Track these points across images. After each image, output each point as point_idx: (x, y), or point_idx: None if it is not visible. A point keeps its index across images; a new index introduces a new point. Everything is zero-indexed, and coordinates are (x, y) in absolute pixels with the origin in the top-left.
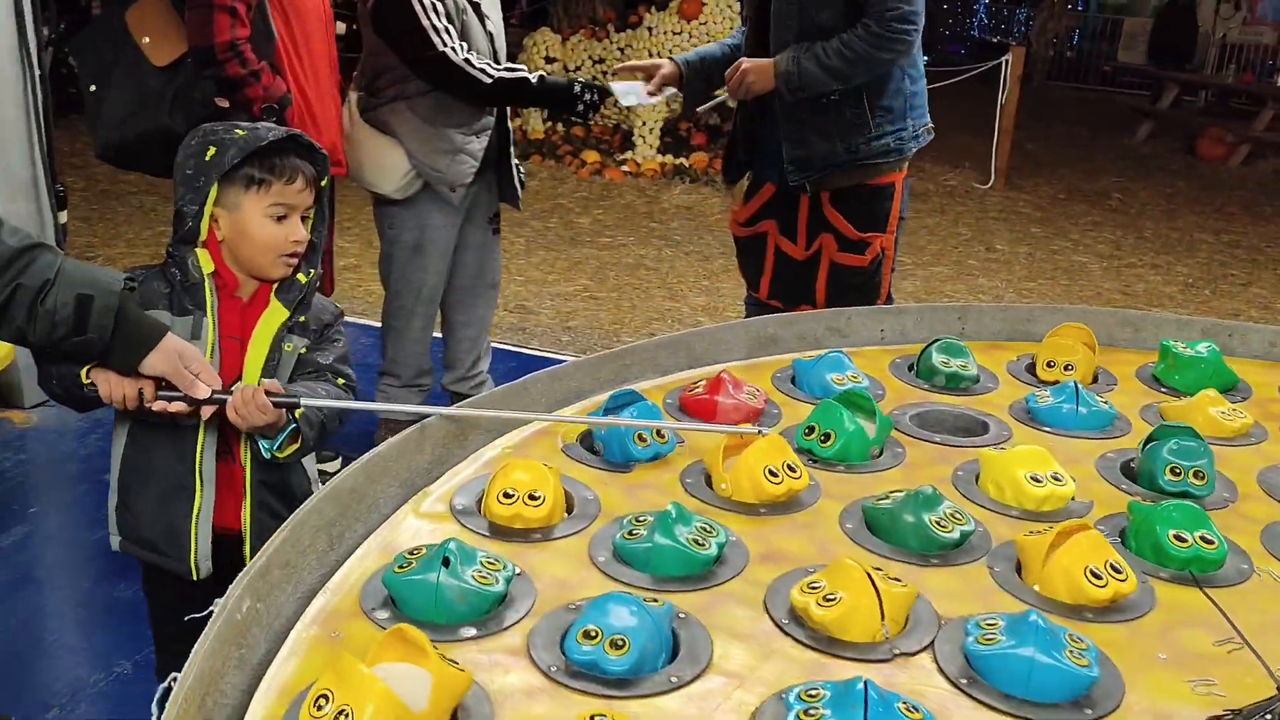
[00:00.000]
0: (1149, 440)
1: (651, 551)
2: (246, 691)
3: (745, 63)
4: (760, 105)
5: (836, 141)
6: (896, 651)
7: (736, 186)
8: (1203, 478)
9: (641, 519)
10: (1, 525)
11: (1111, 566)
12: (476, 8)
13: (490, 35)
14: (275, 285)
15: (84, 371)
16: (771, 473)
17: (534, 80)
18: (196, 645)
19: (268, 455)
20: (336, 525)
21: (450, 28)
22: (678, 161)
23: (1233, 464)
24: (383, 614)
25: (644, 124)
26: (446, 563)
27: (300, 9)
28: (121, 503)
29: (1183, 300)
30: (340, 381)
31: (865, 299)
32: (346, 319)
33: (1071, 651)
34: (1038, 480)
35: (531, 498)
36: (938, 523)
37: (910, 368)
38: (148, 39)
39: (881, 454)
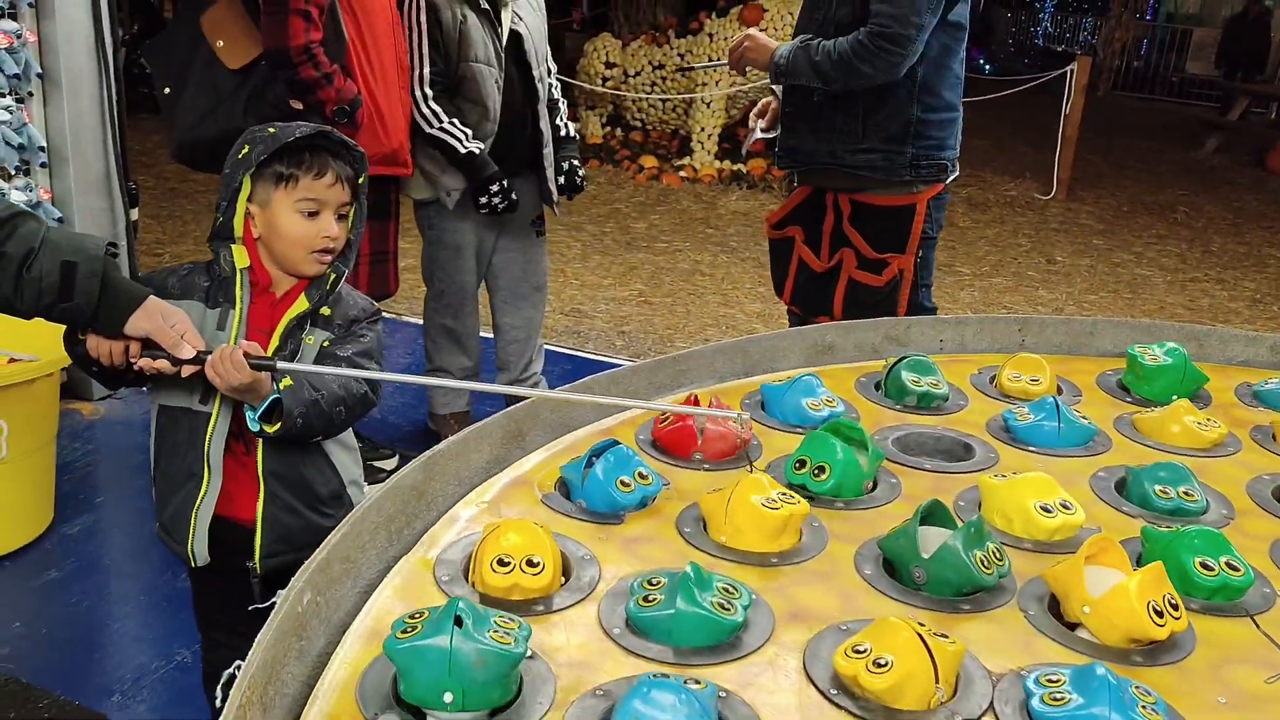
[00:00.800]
0: (1126, 478)
1: (674, 620)
2: (306, 682)
3: (751, 34)
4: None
5: (823, 143)
6: (959, 718)
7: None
8: (1193, 496)
9: (654, 581)
10: (69, 514)
11: (1169, 602)
12: (487, 14)
13: (519, 36)
14: (309, 282)
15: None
16: (769, 503)
17: (462, 151)
18: (260, 635)
19: (255, 427)
20: (396, 521)
21: (422, 50)
22: (735, 168)
23: (1219, 477)
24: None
25: (702, 129)
26: (459, 622)
27: (370, 12)
28: (154, 487)
29: (1250, 316)
30: None
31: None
32: (405, 319)
33: (1144, 707)
34: (1048, 510)
35: (529, 564)
36: (983, 561)
37: (877, 386)
38: (222, 42)
39: (876, 486)
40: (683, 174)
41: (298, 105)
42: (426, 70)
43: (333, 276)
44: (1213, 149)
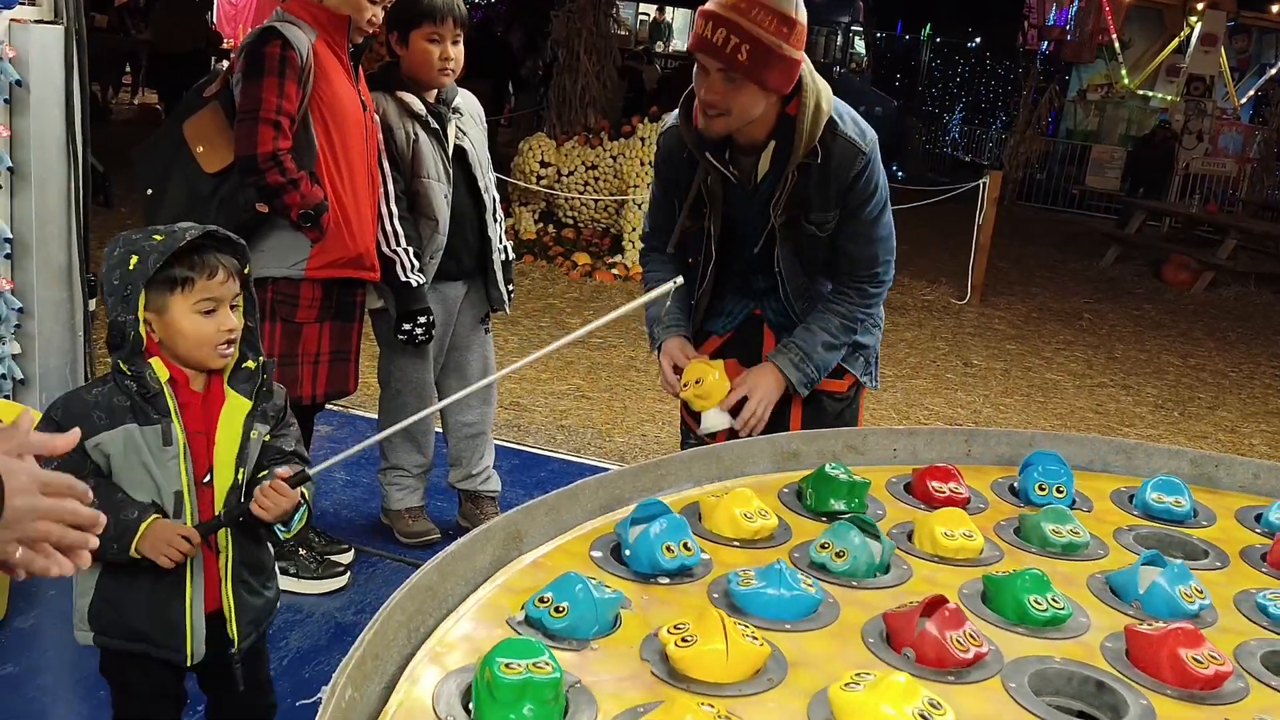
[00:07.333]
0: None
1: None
2: None
3: (753, 401)
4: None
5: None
6: None
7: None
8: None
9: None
10: (22, 608)
11: None
12: (436, 132)
13: (464, 151)
14: (227, 376)
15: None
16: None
17: (402, 277)
18: None
19: (284, 535)
20: (415, 620)
21: (384, 166)
22: None
23: None
24: None
25: (633, 229)
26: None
27: (341, 121)
28: (102, 599)
29: (1153, 421)
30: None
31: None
32: (355, 413)
33: None
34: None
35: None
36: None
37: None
38: (202, 148)
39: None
40: (615, 271)
41: (264, 209)
42: (391, 186)
43: (266, 368)
44: (1113, 260)
